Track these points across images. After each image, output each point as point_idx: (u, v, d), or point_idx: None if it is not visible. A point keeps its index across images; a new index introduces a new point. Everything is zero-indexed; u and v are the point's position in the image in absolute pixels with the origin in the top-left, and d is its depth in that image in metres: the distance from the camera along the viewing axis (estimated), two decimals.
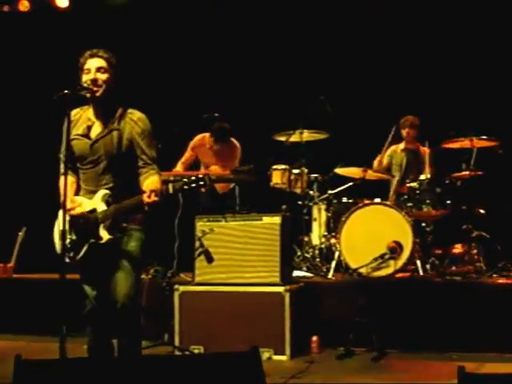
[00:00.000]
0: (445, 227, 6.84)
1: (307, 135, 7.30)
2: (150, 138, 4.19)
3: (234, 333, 5.66)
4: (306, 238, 7.29)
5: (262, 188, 7.21)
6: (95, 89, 4.07)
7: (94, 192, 4.10)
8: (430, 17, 8.06)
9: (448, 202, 6.61)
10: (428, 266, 6.60)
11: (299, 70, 8.35)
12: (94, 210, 4.05)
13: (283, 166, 7.23)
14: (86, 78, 4.10)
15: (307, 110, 7.03)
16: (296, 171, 7.23)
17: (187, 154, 7.67)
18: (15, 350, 2.74)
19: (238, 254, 5.97)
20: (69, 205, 3.96)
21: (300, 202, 7.33)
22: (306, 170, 7.30)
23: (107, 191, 4.06)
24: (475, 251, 6.61)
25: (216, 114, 7.24)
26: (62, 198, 3.94)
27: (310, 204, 7.37)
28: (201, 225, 6.06)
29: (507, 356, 5.40)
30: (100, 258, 4.06)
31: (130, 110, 4.22)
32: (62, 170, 4.14)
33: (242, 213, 6.34)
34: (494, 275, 6.39)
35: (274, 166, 7.23)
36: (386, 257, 6.29)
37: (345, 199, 7.13)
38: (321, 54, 8.37)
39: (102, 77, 4.10)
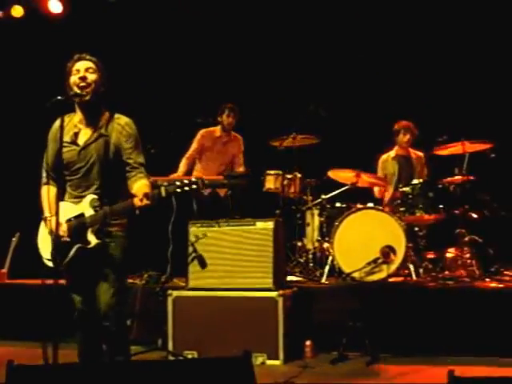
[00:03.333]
0: (437, 231, 6.86)
1: (300, 140, 7.32)
2: (137, 142, 4.19)
3: (227, 338, 5.67)
4: (300, 243, 7.30)
5: (255, 193, 7.22)
6: (84, 92, 4.08)
7: (81, 197, 4.12)
8: (422, 22, 8.09)
9: (441, 206, 6.63)
10: (421, 271, 6.62)
11: (293, 74, 8.37)
12: (81, 215, 4.06)
13: (276, 171, 7.24)
14: (74, 79, 4.12)
15: (300, 115, 7.06)
16: (289, 176, 7.25)
17: (192, 149, 7.71)
18: (8, 356, 2.75)
19: (232, 259, 5.98)
20: (53, 222, 3.97)
21: (293, 207, 7.34)
22: (299, 175, 7.31)
23: (95, 196, 4.07)
24: (468, 255, 6.63)
25: (210, 119, 7.26)
26: (45, 211, 4.09)
27: (304, 209, 7.38)
28: (194, 230, 6.06)
29: (500, 360, 5.41)
30: (85, 264, 4.07)
31: (116, 115, 4.23)
32: (44, 180, 4.23)
33: (235, 218, 6.36)
34: (487, 279, 6.40)
35: (267, 171, 7.24)
36: (379, 261, 6.30)
37: (338, 204, 7.14)
38: (314, 60, 8.40)
39: (91, 76, 4.13)
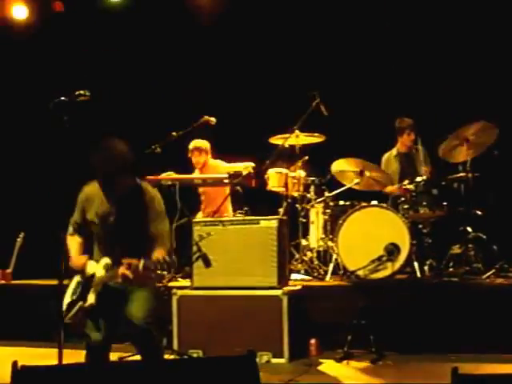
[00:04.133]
0: (442, 229, 6.85)
1: (303, 138, 7.32)
2: (163, 214, 4.30)
3: (232, 336, 5.67)
4: (304, 241, 7.29)
5: (258, 191, 7.22)
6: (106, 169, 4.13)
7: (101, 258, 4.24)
8: (423, 18, 8.08)
9: (445, 203, 6.61)
10: (425, 268, 6.61)
11: (295, 72, 8.37)
12: (93, 275, 4.17)
13: (280, 170, 7.24)
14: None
15: (303, 113, 7.05)
16: (293, 174, 7.24)
17: None
18: (13, 356, 2.75)
19: (236, 258, 5.98)
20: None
21: (297, 205, 7.34)
22: (302, 173, 7.31)
23: (109, 261, 4.15)
24: (472, 252, 6.62)
25: (212, 118, 7.25)
26: (71, 260, 4.27)
27: (308, 207, 7.38)
28: (198, 229, 6.07)
29: (505, 357, 5.40)
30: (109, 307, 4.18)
31: (143, 185, 4.32)
32: (70, 231, 4.38)
33: (238, 216, 6.36)
34: (492, 276, 6.40)
35: (271, 170, 7.24)
36: (384, 259, 6.30)
37: (342, 202, 7.13)
38: (316, 57, 8.39)
39: (110, 169, 4.13)
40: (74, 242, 4.37)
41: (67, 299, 4.21)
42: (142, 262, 3.94)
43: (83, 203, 4.34)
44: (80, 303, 4.15)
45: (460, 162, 6.79)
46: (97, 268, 4.17)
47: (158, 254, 4.02)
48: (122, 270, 4.02)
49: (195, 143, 7.70)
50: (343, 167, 7.11)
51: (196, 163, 7.73)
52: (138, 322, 4.08)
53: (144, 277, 4.06)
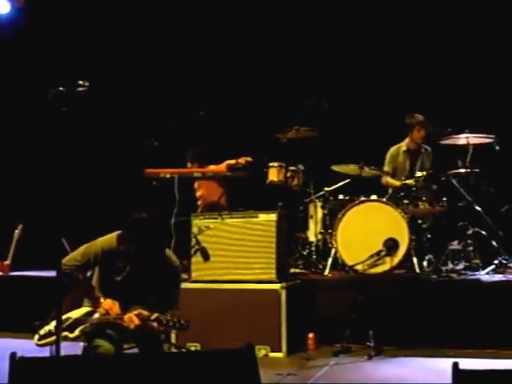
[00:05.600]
0: (441, 224, 6.84)
1: (303, 132, 7.30)
2: (178, 287, 4.44)
3: (230, 330, 5.67)
4: (303, 235, 7.28)
5: (258, 185, 7.21)
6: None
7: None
8: (427, 14, 8.06)
9: (444, 198, 6.61)
10: (424, 263, 6.60)
11: (296, 67, 8.35)
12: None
13: (279, 163, 7.22)
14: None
15: (304, 107, 7.04)
16: (292, 168, 7.23)
17: None
18: (11, 348, 2.74)
19: (235, 252, 5.98)
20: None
21: (296, 199, 7.32)
22: (302, 167, 7.29)
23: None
24: (471, 248, 6.61)
25: (213, 112, 7.24)
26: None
27: (306, 201, 7.37)
28: (197, 222, 6.06)
29: (503, 353, 5.40)
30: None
31: (167, 253, 4.36)
32: (80, 267, 4.28)
33: (238, 210, 6.35)
34: (490, 272, 6.39)
35: (270, 163, 7.22)
36: (382, 254, 6.29)
37: (341, 196, 7.12)
38: (318, 52, 8.37)
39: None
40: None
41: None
42: (155, 315, 4.03)
43: (96, 258, 4.28)
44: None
45: (460, 158, 6.78)
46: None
47: (174, 315, 4.11)
48: (131, 314, 4.07)
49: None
50: (343, 169, 7.13)
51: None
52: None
53: (152, 328, 4.10)
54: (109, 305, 4.20)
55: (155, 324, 4.06)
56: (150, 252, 4.18)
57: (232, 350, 2.84)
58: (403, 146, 7.48)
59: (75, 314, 4.28)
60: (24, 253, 7.66)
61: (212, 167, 7.55)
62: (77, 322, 4.22)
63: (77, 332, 4.18)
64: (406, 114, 7.36)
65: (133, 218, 4.21)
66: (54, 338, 3.89)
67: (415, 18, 8.09)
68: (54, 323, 4.11)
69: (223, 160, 7.45)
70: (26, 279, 7.31)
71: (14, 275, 7.53)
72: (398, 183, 7.07)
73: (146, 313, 4.07)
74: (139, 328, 4.06)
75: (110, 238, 4.30)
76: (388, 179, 7.26)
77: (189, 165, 7.63)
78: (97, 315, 4.22)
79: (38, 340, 4.28)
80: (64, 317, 4.20)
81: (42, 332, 4.30)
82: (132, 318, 4.05)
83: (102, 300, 4.23)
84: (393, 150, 7.51)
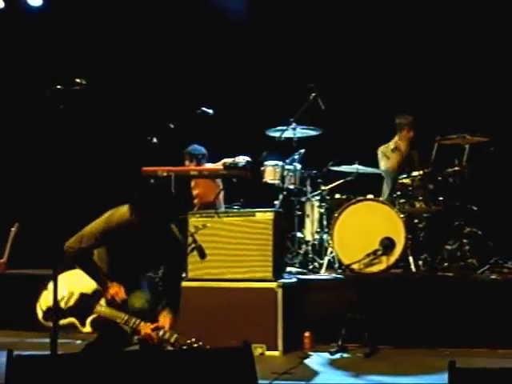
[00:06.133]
0: (437, 223, 6.85)
1: (300, 131, 7.30)
2: (184, 261, 4.53)
3: (226, 328, 5.66)
4: (299, 234, 7.29)
5: (254, 184, 7.21)
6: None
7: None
8: (423, 14, 8.07)
9: (440, 198, 6.62)
10: (420, 263, 6.62)
11: (293, 65, 8.35)
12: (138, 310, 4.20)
13: (276, 162, 7.23)
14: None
15: (300, 106, 7.04)
16: (289, 167, 7.23)
17: None
18: (7, 346, 2.74)
19: (231, 250, 5.97)
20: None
21: (293, 198, 7.33)
22: (298, 166, 7.30)
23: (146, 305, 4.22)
24: (467, 247, 6.63)
25: (210, 110, 7.23)
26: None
27: (303, 200, 7.37)
28: (194, 220, 6.05)
29: (499, 352, 5.42)
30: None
31: (173, 228, 4.31)
32: (85, 249, 4.20)
33: (235, 209, 6.35)
34: (486, 271, 6.41)
35: (267, 162, 7.23)
36: (379, 253, 6.30)
37: (338, 195, 7.13)
38: (315, 50, 8.37)
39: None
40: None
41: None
42: (174, 336, 4.12)
43: (110, 233, 4.21)
44: (71, 320, 4.17)
45: (456, 158, 6.79)
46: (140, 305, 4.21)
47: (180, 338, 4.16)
48: (149, 331, 4.06)
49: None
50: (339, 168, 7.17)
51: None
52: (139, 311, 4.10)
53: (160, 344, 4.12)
54: (115, 290, 4.15)
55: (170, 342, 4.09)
56: (161, 219, 4.13)
57: (229, 348, 2.84)
58: (391, 144, 7.53)
59: (80, 287, 4.21)
60: (20, 251, 7.65)
61: (209, 166, 7.56)
62: (82, 300, 4.17)
63: (87, 326, 4.14)
64: (396, 114, 7.41)
65: (142, 189, 4.23)
66: (63, 321, 3.96)
67: (413, 18, 8.09)
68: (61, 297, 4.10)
69: (220, 159, 7.46)
70: (21, 277, 7.30)
71: (10, 273, 7.52)
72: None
73: (167, 332, 4.11)
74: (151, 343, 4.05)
75: (121, 212, 4.20)
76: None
77: (186, 163, 7.64)
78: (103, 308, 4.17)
79: (44, 319, 4.19)
80: (67, 290, 4.17)
81: (43, 306, 4.22)
82: (151, 336, 4.05)
83: (109, 285, 4.17)
84: (382, 148, 7.55)
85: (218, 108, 7.25)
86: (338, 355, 5.55)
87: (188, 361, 2.81)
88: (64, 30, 8.75)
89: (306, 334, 5.88)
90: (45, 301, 4.22)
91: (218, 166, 7.32)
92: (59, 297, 4.03)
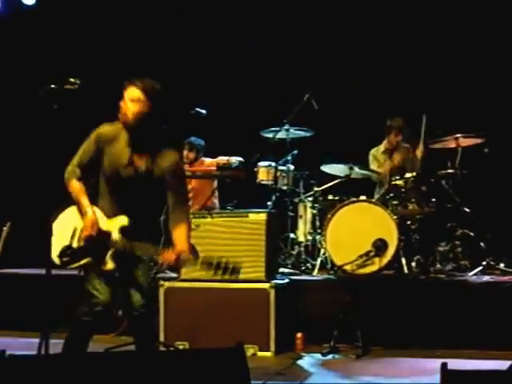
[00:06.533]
0: (430, 225, 6.86)
1: (293, 132, 7.31)
2: (184, 175, 4.30)
3: (219, 329, 5.67)
4: (292, 235, 7.30)
5: (248, 184, 7.21)
6: (125, 120, 3.99)
7: (115, 213, 4.02)
8: (415, 16, 8.09)
9: (433, 200, 6.64)
10: (413, 264, 6.63)
11: (286, 66, 8.35)
12: (108, 234, 3.97)
13: (269, 163, 7.23)
14: (121, 106, 4.05)
15: (294, 107, 7.05)
16: (282, 168, 7.24)
17: None
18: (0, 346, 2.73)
19: (224, 251, 5.95)
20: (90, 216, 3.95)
21: (286, 199, 7.33)
22: (292, 167, 7.31)
23: (125, 222, 3.96)
24: (459, 249, 6.65)
25: (203, 111, 7.22)
26: (86, 203, 3.99)
27: (296, 201, 7.38)
28: None
29: (491, 353, 5.43)
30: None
31: (165, 147, 4.10)
32: (77, 174, 4.09)
33: (228, 209, 6.35)
34: (478, 273, 6.43)
35: (260, 163, 7.23)
36: (371, 254, 6.30)
37: (331, 196, 7.12)
38: (308, 51, 8.38)
39: (134, 108, 3.98)
40: (82, 188, 4.05)
41: (61, 241, 3.96)
42: (200, 260, 3.97)
43: (100, 144, 4.02)
44: (88, 259, 3.95)
45: (449, 159, 6.81)
46: (112, 227, 3.95)
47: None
48: (171, 257, 3.89)
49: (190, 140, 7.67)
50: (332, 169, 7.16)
51: (185, 157, 7.69)
52: (140, 307, 4.04)
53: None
54: (89, 222, 3.92)
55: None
56: (144, 123, 3.94)
57: (222, 349, 2.84)
58: (381, 147, 7.53)
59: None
60: (12, 250, 7.62)
61: (207, 160, 7.55)
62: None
63: (109, 262, 3.93)
64: (388, 116, 7.40)
65: None
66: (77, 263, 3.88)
67: (406, 20, 8.10)
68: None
69: (217, 155, 7.49)
70: (14, 276, 7.28)
71: (2, 272, 7.49)
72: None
73: (189, 256, 3.97)
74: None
75: (106, 124, 4.10)
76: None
77: (185, 152, 7.60)
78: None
79: (60, 260, 3.95)
80: (78, 227, 4.00)
81: (58, 246, 3.98)
82: (169, 257, 3.87)
83: (88, 214, 3.94)
84: (373, 151, 7.55)
85: (212, 109, 7.23)
86: (330, 356, 5.56)
87: (180, 361, 2.80)
88: (58, 29, 8.72)
89: (299, 334, 5.88)
90: (58, 240, 3.98)
91: (215, 161, 7.32)
92: (69, 236, 3.94)
